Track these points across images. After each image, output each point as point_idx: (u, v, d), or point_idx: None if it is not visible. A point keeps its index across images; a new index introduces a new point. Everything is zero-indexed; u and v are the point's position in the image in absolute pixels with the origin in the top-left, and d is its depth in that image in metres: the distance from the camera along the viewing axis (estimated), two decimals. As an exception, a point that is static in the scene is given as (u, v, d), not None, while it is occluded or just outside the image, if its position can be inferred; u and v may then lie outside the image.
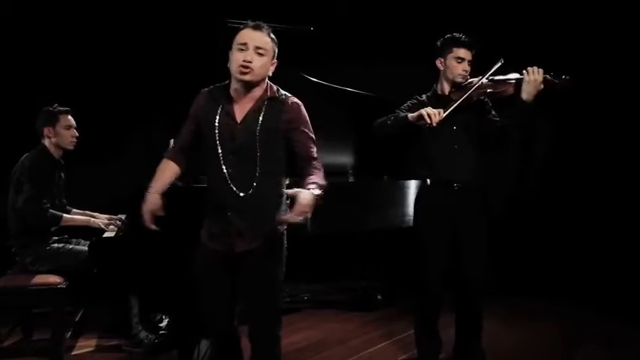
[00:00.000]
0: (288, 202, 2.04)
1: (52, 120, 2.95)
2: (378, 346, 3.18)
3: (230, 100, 1.97)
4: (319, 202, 1.78)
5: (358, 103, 3.76)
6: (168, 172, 2.05)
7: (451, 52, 2.57)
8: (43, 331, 3.12)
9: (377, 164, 3.95)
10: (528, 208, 4.19)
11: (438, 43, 2.65)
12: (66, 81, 3.96)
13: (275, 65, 1.98)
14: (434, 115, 2.36)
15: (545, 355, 3.06)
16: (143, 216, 1.94)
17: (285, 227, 2.03)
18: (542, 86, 2.38)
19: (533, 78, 2.37)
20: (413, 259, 2.71)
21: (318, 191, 1.80)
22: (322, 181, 1.88)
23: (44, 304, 2.73)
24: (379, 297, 3.94)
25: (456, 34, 2.59)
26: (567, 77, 2.40)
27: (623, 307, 3.63)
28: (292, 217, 1.74)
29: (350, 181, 3.78)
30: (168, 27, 4.29)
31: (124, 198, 3.83)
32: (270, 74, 1.97)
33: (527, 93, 2.39)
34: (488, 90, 2.51)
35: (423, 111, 2.38)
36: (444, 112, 2.38)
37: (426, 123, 2.37)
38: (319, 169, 1.93)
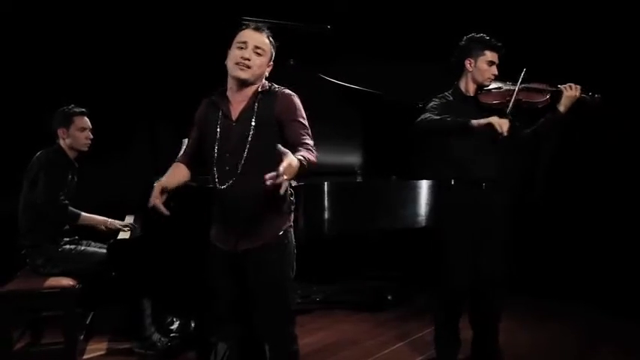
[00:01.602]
0: (292, 198, 2.04)
1: (66, 122, 2.93)
2: (394, 347, 3.16)
3: (227, 101, 1.98)
4: (302, 171, 1.70)
5: (365, 101, 3.73)
6: (178, 170, 2.07)
7: (483, 54, 2.55)
8: (52, 334, 3.09)
9: (384, 163, 3.93)
10: (543, 209, 4.14)
11: (465, 43, 2.61)
12: (71, 81, 3.91)
13: (271, 67, 2.01)
14: (504, 124, 2.30)
15: (561, 357, 3.04)
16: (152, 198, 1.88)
17: (290, 224, 2.03)
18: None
19: (572, 94, 2.43)
20: (435, 259, 2.69)
21: (303, 158, 1.72)
22: (311, 157, 1.80)
23: (57, 307, 2.67)
24: (389, 297, 3.92)
25: (486, 36, 2.57)
26: (599, 96, 2.44)
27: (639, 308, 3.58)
28: (275, 174, 1.60)
29: (365, 180, 3.74)
30: (172, 26, 4.24)
31: (130, 199, 3.83)
32: (267, 75, 2.00)
33: (564, 106, 2.46)
34: (523, 99, 2.49)
35: (494, 121, 2.31)
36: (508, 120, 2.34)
37: (498, 133, 2.30)
38: (310, 150, 1.85)
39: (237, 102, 1.97)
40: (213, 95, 2.05)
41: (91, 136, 3.01)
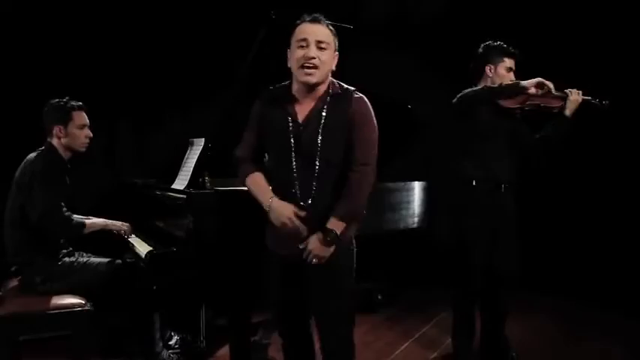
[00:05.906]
0: None
1: (64, 118, 2.55)
2: (403, 346, 3.21)
3: (293, 102, 1.89)
4: (336, 238, 1.84)
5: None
6: (262, 180, 1.94)
7: (503, 61, 2.71)
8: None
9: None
10: (529, 203, 4.13)
11: (484, 50, 2.76)
12: (28, 77, 3.55)
13: (337, 58, 1.90)
14: (550, 83, 2.55)
15: (546, 349, 3.21)
16: (290, 224, 1.84)
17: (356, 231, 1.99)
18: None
19: (574, 98, 2.62)
20: (453, 257, 2.80)
21: (337, 226, 1.83)
22: (353, 204, 1.85)
23: (68, 328, 2.34)
24: (379, 297, 3.97)
25: (504, 45, 2.73)
26: (607, 102, 2.64)
27: (621, 301, 3.82)
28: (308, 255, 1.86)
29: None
30: (134, 20, 3.97)
31: (87, 200, 3.49)
32: (334, 68, 1.90)
33: (570, 110, 2.64)
34: (541, 104, 2.64)
35: (542, 79, 2.52)
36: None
37: (547, 86, 2.52)
38: (359, 183, 1.83)
39: (306, 103, 1.88)
40: (275, 92, 1.93)
41: (91, 135, 2.65)
